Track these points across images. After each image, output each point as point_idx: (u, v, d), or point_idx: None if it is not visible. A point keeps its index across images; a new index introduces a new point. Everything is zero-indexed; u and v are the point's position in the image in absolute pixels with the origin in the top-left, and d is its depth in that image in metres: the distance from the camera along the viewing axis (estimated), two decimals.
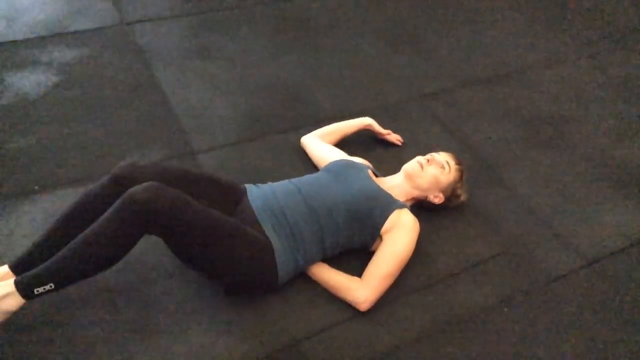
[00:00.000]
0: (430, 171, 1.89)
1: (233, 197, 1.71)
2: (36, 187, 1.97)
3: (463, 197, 1.99)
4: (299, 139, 2.25)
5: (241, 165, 2.14)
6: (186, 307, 1.64)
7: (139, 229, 1.42)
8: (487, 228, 2.00)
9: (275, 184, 1.81)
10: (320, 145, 2.14)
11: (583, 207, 2.14)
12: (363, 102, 2.54)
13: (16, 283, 1.38)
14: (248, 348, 1.56)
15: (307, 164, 2.17)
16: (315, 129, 2.24)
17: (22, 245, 1.72)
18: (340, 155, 2.05)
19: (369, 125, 2.25)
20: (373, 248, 1.78)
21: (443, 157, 1.95)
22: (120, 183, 1.55)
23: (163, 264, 1.73)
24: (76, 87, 2.43)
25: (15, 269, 1.49)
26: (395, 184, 1.91)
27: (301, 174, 1.98)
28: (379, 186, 1.81)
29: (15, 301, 1.39)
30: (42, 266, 1.40)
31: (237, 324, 1.62)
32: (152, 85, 2.50)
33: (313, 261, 1.72)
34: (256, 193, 1.74)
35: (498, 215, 2.06)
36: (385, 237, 1.74)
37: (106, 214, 1.42)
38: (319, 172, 1.89)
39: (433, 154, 1.95)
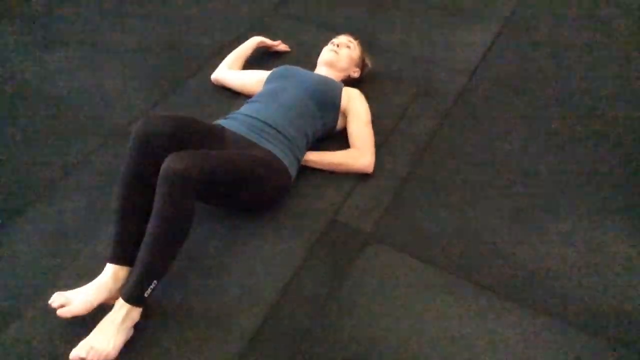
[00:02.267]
0: (343, 53, 2.23)
1: (218, 134, 1.86)
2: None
3: (370, 64, 2.38)
4: (208, 79, 2.39)
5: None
6: (233, 237, 1.81)
7: (191, 196, 1.50)
8: (394, 83, 2.43)
9: (241, 109, 1.98)
10: (236, 73, 2.32)
11: (438, 40, 2.69)
12: (231, 32, 2.72)
13: (126, 300, 1.46)
14: (303, 239, 1.82)
15: (233, 94, 2.34)
16: (209, 67, 2.41)
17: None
18: (260, 72, 2.27)
19: (261, 42, 2.48)
20: (338, 127, 2.10)
21: (345, 38, 2.29)
22: (146, 146, 1.58)
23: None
24: None
25: (116, 259, 1.55)
26: (324, 74, 2.21)
27: (233, 104, 2.18)
28: (320, 74, 2.11)
29: (135, 312, 1.48)
30: (135, 273, 1.47)
31: (282, 228, 1.85)
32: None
33: (304, 153, 1.98)
34: (233, 123, 1.90)
35: (393, 70, 2.50)
36: (348, 112, 2.07)
37: (158, 198, 1.48)
38: (268, 85, 2.09)
39: (334, 40, 2.28)
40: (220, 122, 1.93)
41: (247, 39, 2.50)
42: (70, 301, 1.48)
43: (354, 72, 2.28)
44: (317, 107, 2.00)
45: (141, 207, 1.56)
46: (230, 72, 2.33)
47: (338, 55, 2.21)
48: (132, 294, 1.46)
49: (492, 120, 2.27)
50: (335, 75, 2.21)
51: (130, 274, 1.52)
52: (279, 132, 1.88)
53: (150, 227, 1.48)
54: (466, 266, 1.75)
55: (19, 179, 1.99)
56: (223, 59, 2.42)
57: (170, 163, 1.50)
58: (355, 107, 2.07)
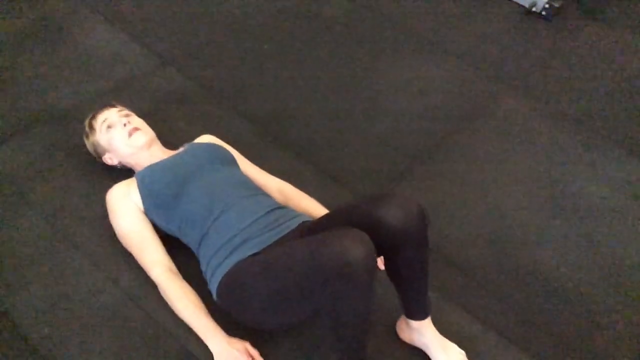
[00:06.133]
0: (136, 120, 1.77)
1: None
2: None
3: None
4: None
5: None
6: None
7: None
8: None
9: (224, 231, 1.49)
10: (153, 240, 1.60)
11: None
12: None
13: (427, 318, 1.46)
14: None
15: None
16: None
17: None
18: (131, 214, 1.59)
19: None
20: None
21: (114, 110, 1.77)
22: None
23: None
24: None
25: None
26: (160, 150, 1.75)
27: None
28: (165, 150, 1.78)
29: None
30: (422, 299, 1.44)
31: None
32: None
33: None
34: (254, 242, 1.47)
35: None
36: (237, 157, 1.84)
37: (412, 242, 1.34)
38: (187, 198, 1.56)
39: (107, 118, 1.74)
40: (235, 257, 1.43)
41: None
42: None
43: None
44: (236, 166, 1.71)
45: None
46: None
47: (143, 128, 1.72)
48: (427, 312, 1.47)
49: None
50: (160, 146, 1.75)
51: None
52: (275, 208, 1.54)
53: (419, 261, 1.38)
54: None
55: None
56: None
57: (403, 221, 1.32)
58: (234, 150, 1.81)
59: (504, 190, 1.99)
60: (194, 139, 1.84)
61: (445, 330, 1.53)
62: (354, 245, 1.17)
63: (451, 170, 2.04)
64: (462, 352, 1.50)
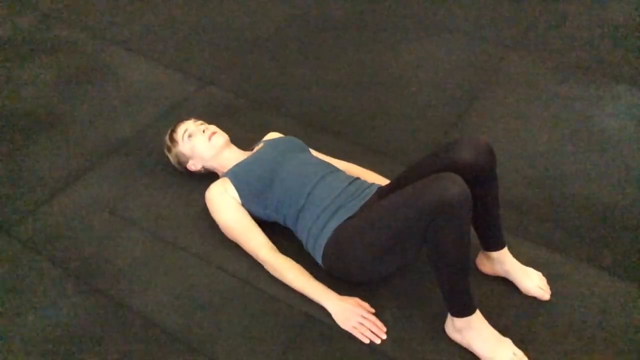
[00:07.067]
0: (212, 127, 1.98)
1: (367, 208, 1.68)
2: None
3: None
4: None
5: None
6: None
7: None
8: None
9: (318, 203, 1.69)
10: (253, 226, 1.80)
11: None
12: None
13: (505, 247, 1.66)
14: None
15: None
16: None
17: None
18: (233, 207, 1.79)
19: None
20: None
21: (190, 122, 1.97)
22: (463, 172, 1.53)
23: None
24: None
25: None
26: (235, 152, 1.94)
27: None
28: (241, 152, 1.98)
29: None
30: (499, 234, 1.65)
31: None
32: None
33: None
34: (343, 213, 1.68)
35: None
36: None
37: (490, 189, 1.59)
38: (281, 185, 1.75)
39: (188, 128, 1.93)
40: (335, 222, 1.62)
41: None
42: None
43: None
44: (309, 152, 1.92)
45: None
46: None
47: (218, 131, 1.92)
48: (504, 242, 1.67)
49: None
50: (236, 148, 1.96)
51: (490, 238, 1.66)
52: (354, 180, 1.75)
53: (491, 194, 1.59)
54: None
55: None
56: None
57: (475, 156, 1.51)
58: None
59: (532, 137, 2.22)
60: (256, 142, 2.04)
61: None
62: (451, 185, 1.37)
63: (482, 129, 2.26)
64: (540, 273, 1.70)
